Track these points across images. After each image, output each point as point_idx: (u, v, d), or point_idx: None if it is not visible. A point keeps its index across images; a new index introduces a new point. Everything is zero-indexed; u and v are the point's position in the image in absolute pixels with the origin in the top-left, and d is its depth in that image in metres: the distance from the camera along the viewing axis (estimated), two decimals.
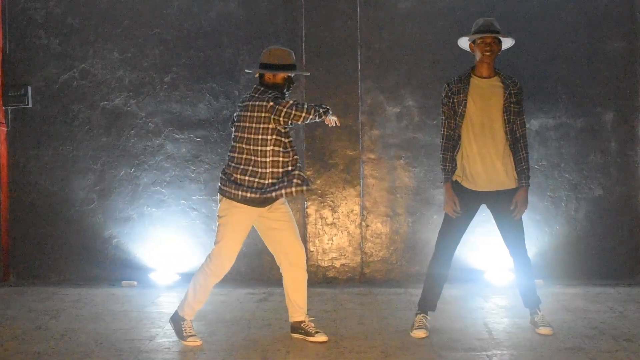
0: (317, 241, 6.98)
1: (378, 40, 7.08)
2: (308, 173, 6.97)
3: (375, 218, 7.10)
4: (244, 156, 4.79)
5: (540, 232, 7.05)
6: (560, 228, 7.07)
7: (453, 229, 5.15)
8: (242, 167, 4.79)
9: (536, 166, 7.04)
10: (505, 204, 5.11)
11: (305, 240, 6.91)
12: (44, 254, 7.23)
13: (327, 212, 6.98)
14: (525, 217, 6.94)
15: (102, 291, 6.68)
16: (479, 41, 5.03)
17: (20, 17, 7.19)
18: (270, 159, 4.77)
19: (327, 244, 6.98)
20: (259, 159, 4.76)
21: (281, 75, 4.88)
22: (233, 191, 4.78)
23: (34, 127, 7.21)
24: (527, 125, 7.04)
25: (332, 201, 6.98)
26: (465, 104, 5.02)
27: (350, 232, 6.99)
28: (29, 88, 7.16)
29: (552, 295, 6.27)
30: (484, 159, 5.03)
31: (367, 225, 7.09)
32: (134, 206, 7.19)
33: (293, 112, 4.71)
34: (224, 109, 7.10)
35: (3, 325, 5.44)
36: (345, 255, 7.00)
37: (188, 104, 7.15)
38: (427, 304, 5.18)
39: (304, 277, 4.98)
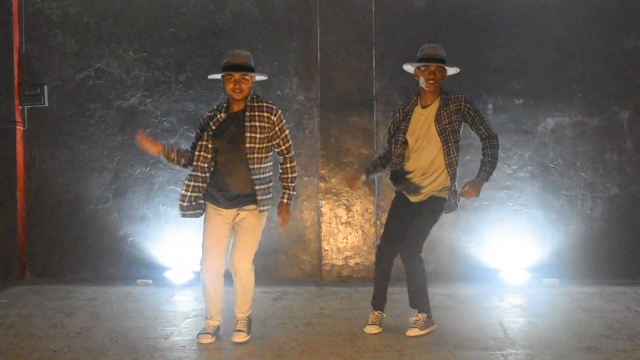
0: (331, 240, 6.97)
1: (393, 39, 7.06)
2: (322, 172, 6.97)
3: None
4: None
5: (555, 231, 7.01)
6: (576, 227, 7.02)
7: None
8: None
9: (551, 165, 7.01)
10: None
11: (319, 239, 6.93)
12: (59, 252, 7.27)
13: (341, 211, 6.97)
14: (540, 215, 6.99)
15: (118, 289, 6.71)
16: (423, 68, 5.09)
17: (36, 17, 7.23)
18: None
19: (342, 242, 6.98)
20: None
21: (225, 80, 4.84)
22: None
23: (50, 126, 7.25)
24: (543, 124, 7.04)
25: (347, 200, 6.97)
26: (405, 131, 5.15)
27: (365, 230, 6.98)
28: (45, 87, 7.20)
29: (568, 295, 6.24)
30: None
31: (382, 224, 7.06)
32: (149, 205, 7.21)
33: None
34: None
35: (19, 323, 5.48)
36: (359, 254, 6.99)
37: (203, 103, 7.16)
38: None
39: (238, 280, 4.94)
